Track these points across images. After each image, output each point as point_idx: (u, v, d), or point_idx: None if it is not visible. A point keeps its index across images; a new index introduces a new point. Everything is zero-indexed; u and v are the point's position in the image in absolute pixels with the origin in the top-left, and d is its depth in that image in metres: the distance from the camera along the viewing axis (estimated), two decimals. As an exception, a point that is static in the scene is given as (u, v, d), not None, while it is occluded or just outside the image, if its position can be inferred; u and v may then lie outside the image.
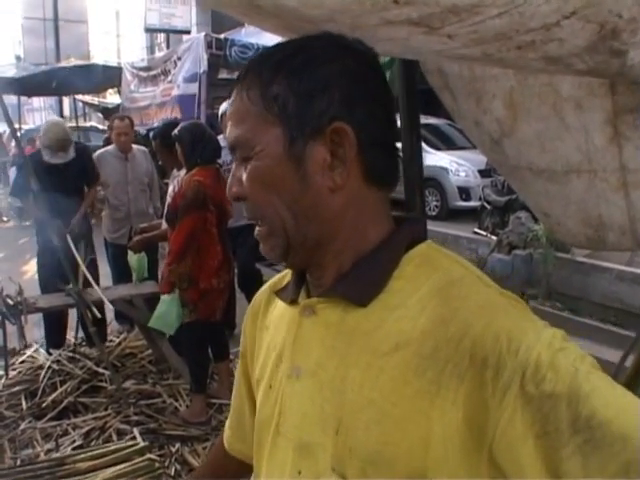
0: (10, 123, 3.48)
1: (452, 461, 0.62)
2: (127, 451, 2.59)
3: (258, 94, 0.70)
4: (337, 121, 0.68)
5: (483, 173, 8.56)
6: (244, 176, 0.72)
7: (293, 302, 0.78)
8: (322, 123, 0.69)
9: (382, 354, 0.67)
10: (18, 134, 11.64)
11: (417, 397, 0.64)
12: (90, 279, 3.69)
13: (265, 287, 0.92)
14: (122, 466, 2.46)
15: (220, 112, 4.60)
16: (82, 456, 2.53)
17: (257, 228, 0.74)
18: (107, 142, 6.29)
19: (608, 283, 4.57)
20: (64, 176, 4.11)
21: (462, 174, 8.99)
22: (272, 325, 0.84)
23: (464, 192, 8.89)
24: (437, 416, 0.63)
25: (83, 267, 3.69)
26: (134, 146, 5.01)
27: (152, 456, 2.58)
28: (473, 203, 8.53)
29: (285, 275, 0.87)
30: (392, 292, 0.69)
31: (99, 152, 5.04)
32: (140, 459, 2.51)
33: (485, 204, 7.34)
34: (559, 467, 0.58)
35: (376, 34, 1.07)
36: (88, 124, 15.67)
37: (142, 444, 2.67)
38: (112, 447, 2.63)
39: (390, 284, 0.70)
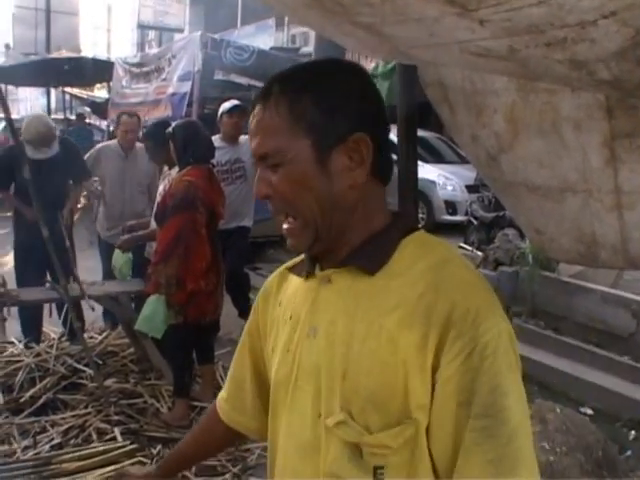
0: (7, 111, 3.34)
1: (430, 405, 0.79)
2: (115, 452, 2.51)
3: (287, 111, 0.85)
4: (356, 132, 0.85)
5: (470, 189, 8.60)
6: (274, 178, 0.87)
7: (309, 275, 0.93)
8: (344, 133, 0.86)
9: (384, 312, 0.83)
10: (1, 125, 11.50)
11: (409, 348, 0.80)
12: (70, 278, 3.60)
13: (275, 274, 1.07)
14: (111, 468, 2.40)
15: (220, 112, 4.55)
16: (70, 456, 2.46)
17: (286, 225, 0.89)
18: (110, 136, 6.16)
19: (592, 304, 4.61)
20: (47, 172, 3.87)
21: (449, 188, 9.04)
22: (285, 300, 0.99)
23: (450, 206, 8.94)
24: (421, 364, 0.79)
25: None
26: (138, 145, 4.63)
27: (143, 459, 2.52)
28: (459, 217, 8.58)
29: (291, 262, 1.02)
30: (395, 264, 0.87)
31: (100, 145, 4.93)
32: (130, 462, 2.44)
33: (472, 219, 7.38)
34: (463, 434, 0.77)
35: (407, 10, 1.04)
36: (73, 117, 15.48)
37: (131, 446, 2.60)
38: (100, 448, 2.56)
39: (393, 258, 0.87)
